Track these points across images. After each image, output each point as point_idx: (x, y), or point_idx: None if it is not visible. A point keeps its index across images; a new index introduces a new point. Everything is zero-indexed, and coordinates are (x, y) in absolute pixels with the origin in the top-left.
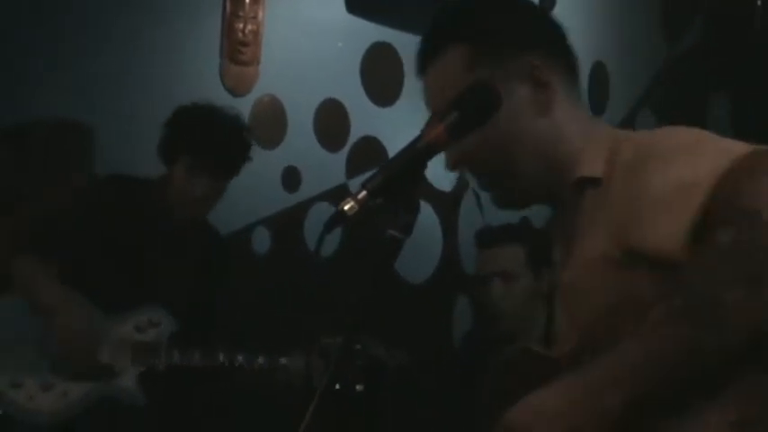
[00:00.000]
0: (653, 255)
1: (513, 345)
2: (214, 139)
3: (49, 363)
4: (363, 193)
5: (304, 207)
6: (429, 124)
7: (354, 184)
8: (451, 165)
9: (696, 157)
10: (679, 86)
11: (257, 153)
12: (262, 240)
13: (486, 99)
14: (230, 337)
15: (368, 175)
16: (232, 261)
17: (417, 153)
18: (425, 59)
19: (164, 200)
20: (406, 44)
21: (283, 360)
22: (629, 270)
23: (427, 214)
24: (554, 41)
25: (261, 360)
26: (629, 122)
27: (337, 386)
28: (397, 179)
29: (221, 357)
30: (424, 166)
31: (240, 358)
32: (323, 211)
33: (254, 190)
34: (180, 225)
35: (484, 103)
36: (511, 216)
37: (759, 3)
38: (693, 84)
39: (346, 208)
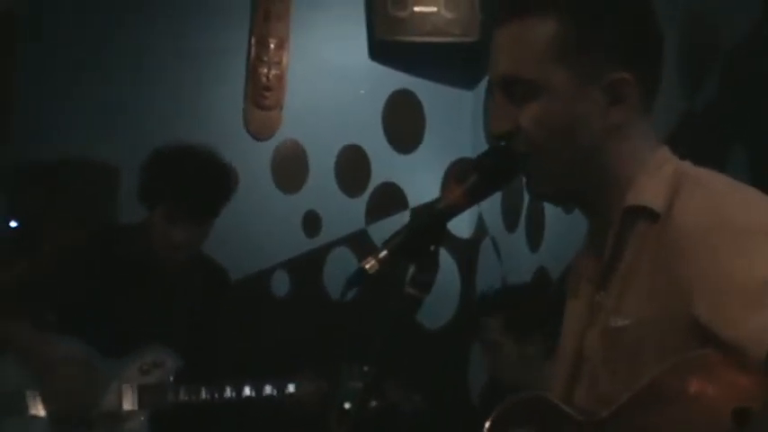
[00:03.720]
0: (728, 347)
1: (523, 392)
2: (190, 186)
3: (52, 419)
4: (384, 252)
5: (324, 252)
6: (447, 184)
7: (374, 229)
8: (497, 133)
9: None
10: (697, 137)
11: (278, 197)
12: (281, 284)
13: (506, 162)
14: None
15: (387, 220)
16: (229, 287)
17: (437, 214)
18: (514, 10)
19: (149, 243)
20: (428, 91)
21: (291, 387)
22: (695, 342)
23: (445, 260)
24: (650, 62)
25: (269, 389)
26: None
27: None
28: (418, 240)
29: (228, 391)
30: (444, 227)
31: (247, 389)
32: (342, 255)
33: (274, 233)
34: (172, 262)
35: (503, 167)
36: (496, 281)
37: None
38: (711, 139)
39: (367, 267)
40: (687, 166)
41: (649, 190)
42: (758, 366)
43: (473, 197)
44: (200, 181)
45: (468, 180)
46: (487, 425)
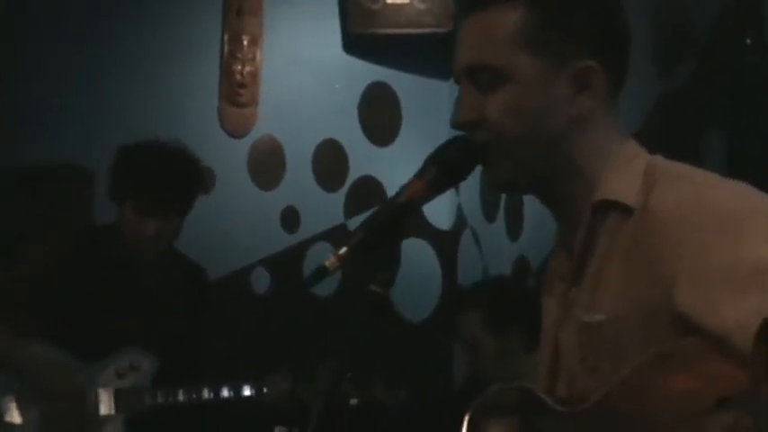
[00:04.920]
0: (711, 334)
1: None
2: (158, 180)
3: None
4: (344, 249)
5: (303, 247)
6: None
7: (353, 223)
8: (462, 121)
9: None
10: (673, 122)
11: (256, 194)
12: (261, 281)
13: (465, 155)
14: (228, 379)
15: (366, 215)
16: (208, 286)
17: (397, 209)
18: (479, 1)
19: (122, 241)
20: (404, 84)
21: (266, 388)
22: (677, 335)
23: (426, 252)
24: (617, 50)
25: (247, 390)
26: None
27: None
28: (379, 235)
29: (206, 392)
30: (404, 221)
31: (225, 390)
32: (322, 251)
33: (253, 230)
34: (149, 263)
35: (463, 159)
36: (477, 275)
37: (748, 41)
38: (687, 119)
39: (327, 264)
40: (660, 159)
41: (620, 184)
42: (742, 354)
43: (434, 190)
44: (168, 171)
45: (428, 173)
46: (467, 416)
